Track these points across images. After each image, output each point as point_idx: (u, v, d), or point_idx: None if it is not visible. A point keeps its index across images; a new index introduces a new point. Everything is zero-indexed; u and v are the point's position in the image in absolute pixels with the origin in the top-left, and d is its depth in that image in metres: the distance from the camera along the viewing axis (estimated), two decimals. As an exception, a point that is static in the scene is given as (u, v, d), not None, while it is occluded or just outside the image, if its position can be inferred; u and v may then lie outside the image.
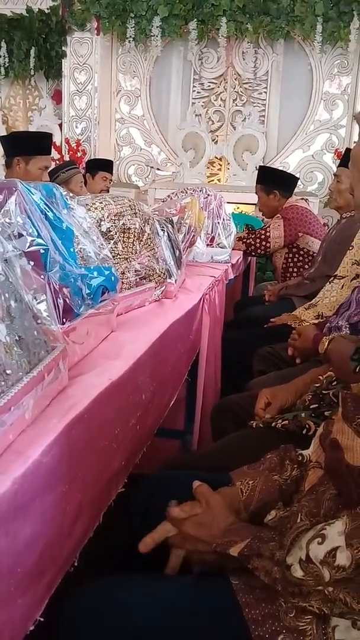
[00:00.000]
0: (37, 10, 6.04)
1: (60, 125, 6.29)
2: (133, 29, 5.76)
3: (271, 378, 1.87)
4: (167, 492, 1.00)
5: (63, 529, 0.79)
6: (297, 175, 4.03)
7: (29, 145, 2.97)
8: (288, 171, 4.67)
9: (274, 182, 3.55)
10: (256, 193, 3.65)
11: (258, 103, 6.06)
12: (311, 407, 1.35)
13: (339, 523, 0.77)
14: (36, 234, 1.01)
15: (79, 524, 0.84)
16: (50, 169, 3.31)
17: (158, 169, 6.38)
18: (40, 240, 1.00)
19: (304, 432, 1.28)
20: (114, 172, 5.60)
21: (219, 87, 6.14)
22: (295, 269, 3.44)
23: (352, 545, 0.74)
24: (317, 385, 1.39)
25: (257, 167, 4.08)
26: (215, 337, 2.14)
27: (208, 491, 0.97)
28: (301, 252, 3.43)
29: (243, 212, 5.64)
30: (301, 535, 0.80)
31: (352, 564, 0.73)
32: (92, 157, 5.80)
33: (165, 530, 0.94)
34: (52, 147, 6.04)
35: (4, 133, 6.04)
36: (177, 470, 1.25)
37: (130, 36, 5.79)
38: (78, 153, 6.04)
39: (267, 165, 5.46)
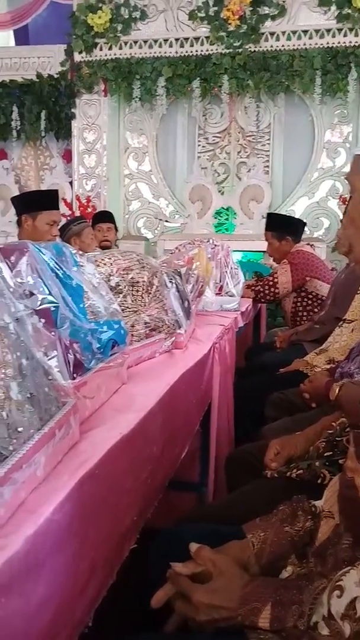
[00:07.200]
0: (46, 75, 6.32)
1: (71, 183, 6.48)
2: (139, 89, 6.00)
3: (283, 424, 1.86)
4: (182, 547, 0.98)
5: (76, 588, 0.78)
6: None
7: (35, 202, 3.06)
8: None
9: (285, 228, 3.61)
10: (267, 240, 3.70)
11: (262, 154, 6.22)
12: (325, 454, 1.34)
13: (354, 572, 0.76)
14: (47, 292, 1.03)
15: (92, 583, 0.83)
16: (60, 224, 3.39)
17: (166, 221, 6.51)
18: (50, 298, 1.03)
19: (319, 481, 1.27)
20: (124, 225, 5.71)
21: (223, 140, 6.31)
22: (305, 313, 3.46)
23: None
24: (330, 432, 1.38)
25: (266, 215, 4.14)
26: (227, 386, 2.13)
27: (210, 553, 0.92)
28: (310, 296, 3.46)
29: (251, 260, 5.71)
30: (321, 594, 0.78)
31: None
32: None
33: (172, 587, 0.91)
34: (64, 204, 6.25)
35: (17, 192, 6.23)
36: (191, 524, 1.24)
37: (137, 96, 6.03)
38: (88, 209, 6.20)
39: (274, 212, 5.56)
